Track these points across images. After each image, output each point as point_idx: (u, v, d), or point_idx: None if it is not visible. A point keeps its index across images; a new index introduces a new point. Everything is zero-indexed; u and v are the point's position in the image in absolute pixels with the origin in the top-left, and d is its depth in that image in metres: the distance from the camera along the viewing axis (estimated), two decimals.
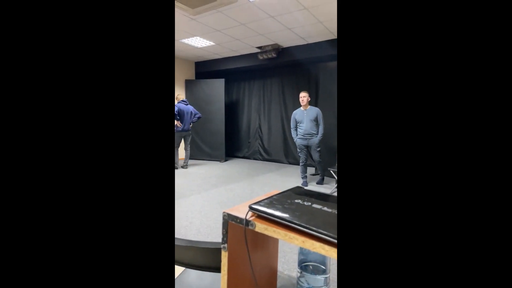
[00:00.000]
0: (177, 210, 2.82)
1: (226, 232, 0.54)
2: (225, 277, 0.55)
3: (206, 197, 3.31)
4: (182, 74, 6.24)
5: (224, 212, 0.54)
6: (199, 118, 5.13)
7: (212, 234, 2.25)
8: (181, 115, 4.81)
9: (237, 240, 0.55)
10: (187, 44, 5.02)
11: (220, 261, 0.55)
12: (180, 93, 5.62)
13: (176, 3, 3.16)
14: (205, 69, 6.33)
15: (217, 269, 0.69)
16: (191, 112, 4.98)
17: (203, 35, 4.52)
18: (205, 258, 0.72)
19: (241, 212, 0.53)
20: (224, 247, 0.54)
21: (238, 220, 0.52)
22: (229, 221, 0.54)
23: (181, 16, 3.70)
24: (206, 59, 6.20)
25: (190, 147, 6.31)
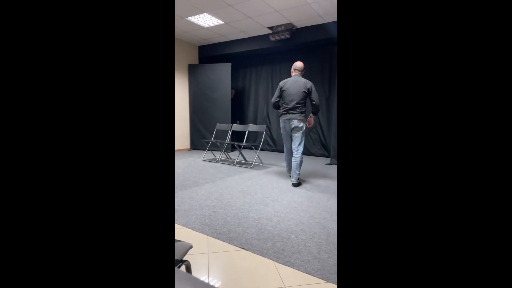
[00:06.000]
0: (194, 199, 2.47)
1: None
2: None
3: (222, 185, 2.96)
4: (185, 58, 5.82)
5: None
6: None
7: (243, 224, 1.91)
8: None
9: None
10: (193, 23, 4.62)
11: None
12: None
13: None
14: (210, 53, 5.92)
15: None
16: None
17: (212, 12, 4.13)
18: None
19: None
20: None
21: None
22: None
23: None
24: (210, 42, 5.80)
25: (194, 136, 5.92)
